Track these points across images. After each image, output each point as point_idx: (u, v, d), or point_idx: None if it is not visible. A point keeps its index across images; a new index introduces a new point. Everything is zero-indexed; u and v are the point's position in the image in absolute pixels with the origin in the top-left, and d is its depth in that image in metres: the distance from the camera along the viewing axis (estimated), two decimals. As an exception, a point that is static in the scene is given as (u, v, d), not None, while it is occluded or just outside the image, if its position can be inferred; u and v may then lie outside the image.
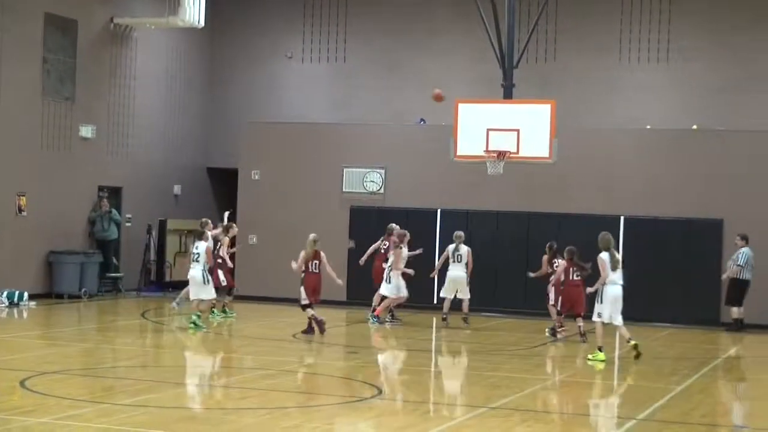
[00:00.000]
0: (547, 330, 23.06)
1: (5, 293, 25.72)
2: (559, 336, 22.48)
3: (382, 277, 24.41)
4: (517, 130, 23.26)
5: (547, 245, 23.41)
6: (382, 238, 25.42)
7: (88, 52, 29.39)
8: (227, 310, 24.58)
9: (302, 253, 21.35)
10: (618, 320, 19.52)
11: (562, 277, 22.13)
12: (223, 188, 33.64)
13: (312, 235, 21.72)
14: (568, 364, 19.75)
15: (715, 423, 14.42)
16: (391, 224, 25.27)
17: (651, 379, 17.68)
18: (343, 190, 29.62)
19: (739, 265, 24.96)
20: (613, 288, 19.47)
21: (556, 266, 22.79)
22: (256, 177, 30.19)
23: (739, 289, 25.07)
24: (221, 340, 22.14)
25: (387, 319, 24.53)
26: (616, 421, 14.22)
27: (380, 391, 15.55)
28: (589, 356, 19.46)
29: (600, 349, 19.31)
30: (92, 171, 29.40)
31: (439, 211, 28.43)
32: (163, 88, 32.47)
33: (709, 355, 22.06)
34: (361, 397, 15.04)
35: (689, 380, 17.63)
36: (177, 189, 32.77)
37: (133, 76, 31.13)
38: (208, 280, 22.29)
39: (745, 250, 25.07)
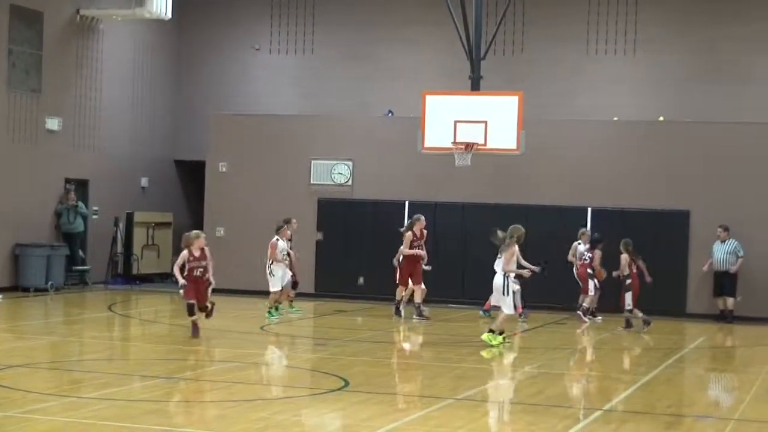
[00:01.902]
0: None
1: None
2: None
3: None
4: (485, 122, 23.27)
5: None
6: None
7: (55, 44, 29.31)
8: (293, 305, 24.69)
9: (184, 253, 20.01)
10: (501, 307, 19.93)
11: (626, 271, 23.08)
12: (190, 181, 33.65)
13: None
14: (534, 355, 19.83)
15: (680, 413, 14.52)
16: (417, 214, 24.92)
17: (617, 370, 17.79)
18: (311, 182, 29.62)
19: (741, 257, 25.50)
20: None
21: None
22: (224, 169, 30.16)
23: (736, 280, 25.67)
24: (188, 332, 22.12)
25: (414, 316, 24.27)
26: (582, 412, 14.30)
27: (347, 383, 15.59)
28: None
29: (500, 333, 19.65)
30: (59, 163, 29.32)
31: (407, 203, 28.48)
32: (129, 80, 32.41)
33: (675, 345, 22.22)
34: (328, 389, 15.07)
35: (655, 371, 17.74)
36: (144, 181, 32.75)
37: (99, 69, 31.06)
38: (272, 273, 23.35)
39: (734, 240, 25.66)
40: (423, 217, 24.46)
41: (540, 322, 23.60)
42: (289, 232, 23.85)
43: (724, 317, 25.65)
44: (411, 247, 24.01)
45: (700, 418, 13.93)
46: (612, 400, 14.68)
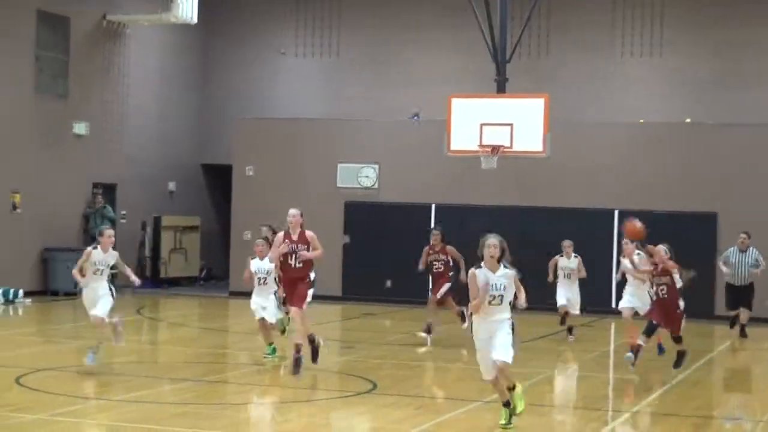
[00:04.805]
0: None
1: (0, 290, 25.83)
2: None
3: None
4: (511, 125, 23.24)
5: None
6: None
7: (81, 49, 29.45)
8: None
9: None
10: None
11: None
12: (217, 184, 33.72)
13: None
14: (563, 357, 19.76)
15: (709, 415, 14.46)
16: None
17: (646, 372, 17.66)
18: (338, 185, 29.67)
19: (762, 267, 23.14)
20: None
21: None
22: (250, 173, 30.21)
23: (753, 291, 23.33)
24: (216, 336, 22.16)
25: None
26: (611, 414, 14.26)
27: (375, 386, 15.58)
28: None
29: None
30: (86, 168, 29.45)
31: (433, 206, 28.48)
32: (156, 85, 32.53)
33: (704, 348, 22.08)
34: (356, 392, 15.06)
35: (685, 373, 17.67)
36: (171, 185, 32.85)
37: (126, 73, 31.17)
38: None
39: (755, 249, 23.46)
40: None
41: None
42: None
43: (741, 330, 23.31)
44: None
45: (729, 420, 13.88)
46: (641, 401, 14.62)
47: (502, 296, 12.02)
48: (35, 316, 24.94)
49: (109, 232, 16.71)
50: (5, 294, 25.87)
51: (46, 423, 12.24)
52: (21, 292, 26.29)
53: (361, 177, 29.58)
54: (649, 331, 16.83)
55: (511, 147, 23.27)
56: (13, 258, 26.95)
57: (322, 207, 29.02)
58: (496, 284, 12.05)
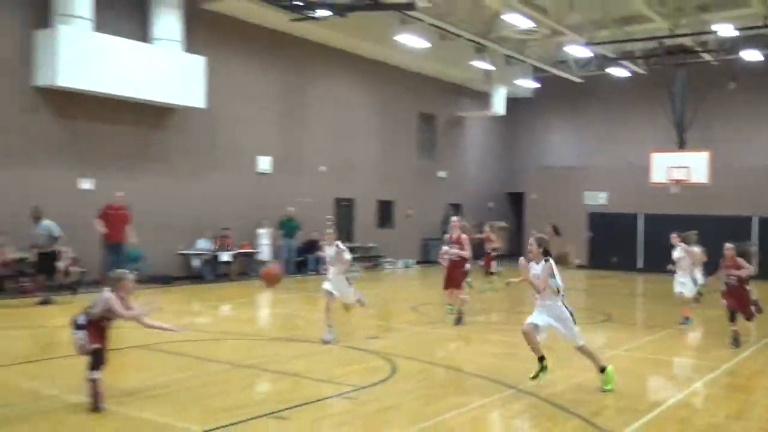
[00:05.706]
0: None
1: (401, 261, 27.21)
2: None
3: None
4: (688, 167, 22.71)
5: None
6: None
7: (442, 131, 30.53)
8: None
9: None
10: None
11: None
12: (516, 204, 34.08)
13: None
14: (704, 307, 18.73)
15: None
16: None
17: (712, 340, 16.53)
18: (584, 203, 29.48)
19: None
20: None
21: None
22: (534, 197, 30.49)
23: None
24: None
25: None
26: (738, 346, 13.47)
27: (609, 317, 15.31)
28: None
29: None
30: (445, 195, 30.48)
31: (641, 214, 27.84)
32: (485, 150, 33.21)
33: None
34: (598, 321, 14.83)
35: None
36: (491, 204, 33.43)
37: (465, 143, 32.03)
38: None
39: None
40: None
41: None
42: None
43: None
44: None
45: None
46: (718, 368, 13.79)
47: None
48: (421, 273, 25.79)
49: (329, 231, 11.59)
50: (405, 263, 27.13)
51: (419, 334, 12.63)
52: (412, 262, 27.63)
53: (599, 198, 29.28)
54: (731, 317, 12.11)
55: (688, 180, 22.65)
56: (408, 243, 28.36)
57: (574, 216, 29.02)
58: (536, 274, 8.50)
